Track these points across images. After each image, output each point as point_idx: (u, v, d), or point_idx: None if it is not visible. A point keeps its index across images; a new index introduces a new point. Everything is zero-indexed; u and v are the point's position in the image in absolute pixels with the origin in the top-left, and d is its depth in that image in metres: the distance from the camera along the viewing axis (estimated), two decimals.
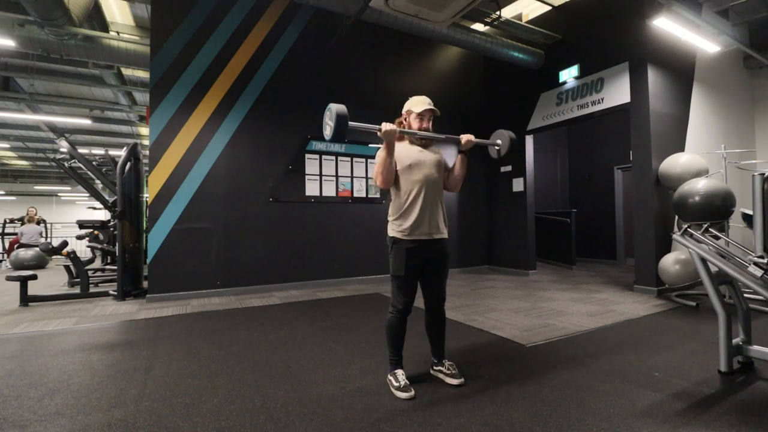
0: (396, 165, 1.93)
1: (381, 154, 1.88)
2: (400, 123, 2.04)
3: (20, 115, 9.06)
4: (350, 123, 1.72)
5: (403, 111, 2.04)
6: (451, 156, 2.05)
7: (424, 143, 2.00)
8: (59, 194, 19.48)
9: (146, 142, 9.35)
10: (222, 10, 4.55)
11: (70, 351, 2.52)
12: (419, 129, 1.96)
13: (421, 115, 1.97)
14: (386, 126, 1.81)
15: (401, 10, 3.82)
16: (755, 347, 2.08)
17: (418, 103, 1.98)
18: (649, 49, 4.28)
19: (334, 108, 1.71)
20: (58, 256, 5.31)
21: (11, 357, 2.41)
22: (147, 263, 4.19)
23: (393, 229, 1.96)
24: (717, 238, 2.41)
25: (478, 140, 2.02)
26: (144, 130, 10.95)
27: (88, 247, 6.24)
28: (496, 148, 2.21)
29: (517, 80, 5.97)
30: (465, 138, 1.99)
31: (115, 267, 4.70)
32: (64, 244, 5.01)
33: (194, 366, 2.24)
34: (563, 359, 2.31)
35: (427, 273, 1.98)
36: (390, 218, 1.99)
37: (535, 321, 3.18)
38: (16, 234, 8.40)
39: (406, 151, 1.96)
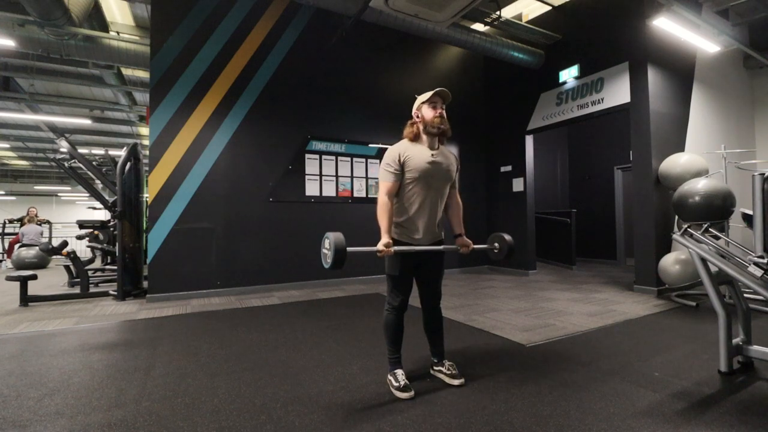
0: (405, 169, 1.89)
1: (385, 203, 1.87)
2: (413, 123, 1.98)
3: (20, 115, 9.07)
4: (348, 249, 1.70)
5: (413, 110, 1.99)
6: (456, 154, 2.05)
7: (442, 129, 1.91)
8: (59, 194, 19.48)
9: (146, 142, 9.34)
10: (222, 10, 4.55)
11: (70, 351, 2.52)
12: (434, 117, 1.90)
13: (432, 102, 1.91)
14: (383, 249, 1.79)
15: (401, 10, 3.83)
16: (755, 347, 2.08)
17: (425, 95, 1.94)
18: (649, 49, 4.28)
19: (332, 238, 1.69)
20: (58, 256, 5.31)
21: (11, 357, 2.41)
22: (147, 263, 4.19)
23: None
24: (717, 238, 2.41)
25: (476, 247, 2.04)
26: (144, 130, 10.95)
27: (88, 247, 6.24)
28: (495, 251, 2.19)
29: (517, 80, 5.97)
30: (463, 248, 2.00)
31: (115, 267, 4.70)
32: (64, 244, 5.01)
33: (194, 366, 2.24)
34: (563, 359, 2.31)
35: (422, 272, 1.99)
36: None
37: (535, 321, 3.18)
38: (16, 234, 8.39)
39: (419, 158, 1.89)
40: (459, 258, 6.08)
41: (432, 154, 1.91)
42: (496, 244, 2.18)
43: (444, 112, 1.94)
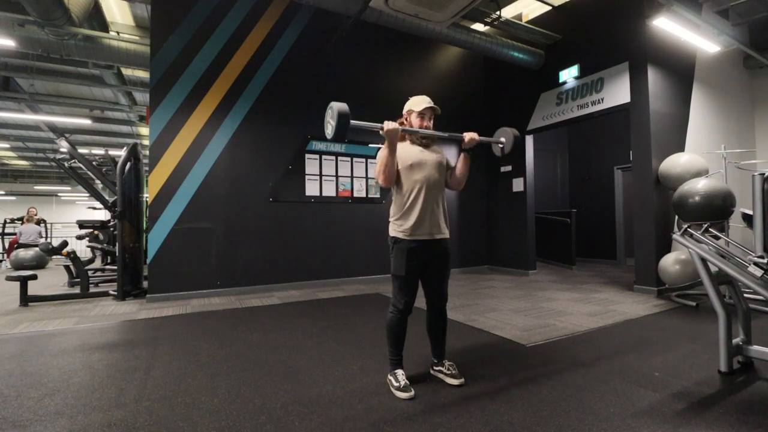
0: (397, 165, 1.94)
1: (383, 153, 1.88)
2: (401, 123, 2.04)
3: (20, 115, 9.07)
4: (352, 122, 1.71)
5: (404, 111, 2.05)
6: (453, 155, 2.06)
7: (426, 143, 2.01)
8: (59, 194, 19.48)
9: (146, 142, 9.34)
10: (222, 10, 4.55)
11: (70, 351, 2.52)
12: (421, 128, 1.97)
13: (422, 114, 1.98)
14: (388, 125, 1.81)
15: (401, 10, 3.83)
16: (755, 347, 2.08)
17: (418, 102, 1.98)
18: (649, 49, 4.28)
19: (336, 106, 1.69)
20: (58, 256, 5.31)
21: (11, 357, 2.41)
22: (147, 263, 4.19)
23: (394, 229, 1.96)
24: (717, 238, 2.41)
25: (481, 138, 2.04)
26: (144, 130, 10.95)
27: (88, 247, 6.24)
28: (500, 145, 2.21)
29: (517, 80, 5.97)
30: (468, 136, 2.00)
31: (115, 267, 4.70)
32: (64, 244, 5.01)
33: (194, 366, 2.24)
34: (563, 359, 2.31)
35: (428, 273, 1.98)
36: (391, 218, 1.99)
37: (535, 321, 3.18)
38: (16, 234, 8.39)
39: (407, 151, 1.96)
40: (459, 258, 6.09)
41: (420, 150, 1.99)
42: (502, 138, 2.19)
43: (431, 125, 2.01)
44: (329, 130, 1.77)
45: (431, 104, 1.97)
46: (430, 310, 2.06)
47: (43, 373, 2.13)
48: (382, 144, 1.90)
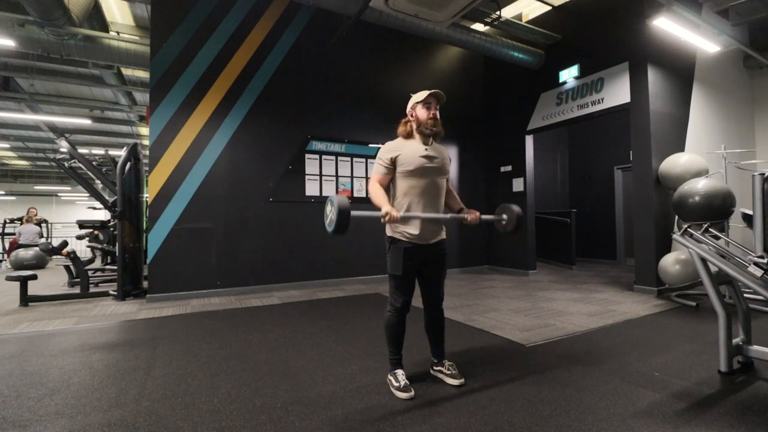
0: (396, 165, 1.92)
1: (377, 189, 1.89)
2: (407, 122, 2.00)
3: (20, 115, 9.07)
4: (352, 213, 1.67)
5: (408, 108, 2.02)
6: (454, 154, 2.05)
7: (436, 131, 1.95)
8: (59, 194, 19.48)
9: (146, 142, 9.34)
10: (222, 10, 4.55)
11: (70, 351, 2.52)
12: (428, 117, 1.92)
13: (426, 103, 1.94)
14: (391, 213, 1.75)
15: (401, 10, 3.82)
16: (755, 347, 2.08)
17: (420, 94, 1.96)
18: (649, 49, 4.28)
19: (336, 202, 1.66)
20: (58, 256, 5.31)
21: (11, 357, 2.41)
22: (147, 263, 4.19)
23: (391, 230, 1.96)
24: (717, 238, 2.41)
25: (484, 217, 2.00)
26: (144, 130, 10.95)
27: (88, 247, 6.24)
28: (503, 222, 2.14)
29: (517, 80, 5.97)
30: (470, 217, 1.95)
31: (115, 267, 4.70)
32: (64, 244, 5.01)
33: (194, 366, 2.24)
34: (563, 359, 2.31)
35: (425, 272, 1.99)
36: None
37: (535, 321, 3.18)
38: (15, 234, 8.39)
39: (411, 153, 1.91)
40: (459, 258, 6.09)
41: (425, 149, 1.95)
42: (504, 216, 2.13)
43: (437, 113, 1.97)
44: (330, 224, 1.71)
45: (433, 90, 1.93)
46: (427, 309, 2.06)
47: (43, 373, 2.13)
48: (383, 144, 1.90)
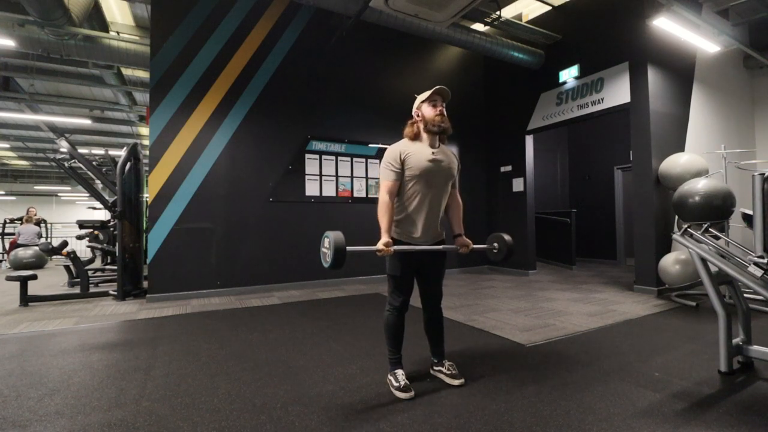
0: (404, 169, 1.89)
1: (386, 202, 1.87)
2: (414, 122, 1.98)
3: (20, 115, 9.07)
4: (348, 248, 1.68)
5: (414, 109, 2.00)
6: (455, 153, 2.04)
7: (444, 128, 1.91)
8: (59, 194, 19.48)
9: (146, 142, 9.34)
10: (222, 10, 4.55)
11: (70, 351, 2.52)
12: (435, 115, 1.89)
13: (432, 100, 1.92)
14: (384, 250, 1.78)
15: (401, 10, 3.83)
16: (755, 347, 2.08)
17: (425, 93, 1.94)
18: (649, 49, 4.28)
19: (333, 237, 1.67)
20: (58, 256, 5.31)
21: (11, 357, 2.41)
22: (147, 263, 4.19)
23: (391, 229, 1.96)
24: (717, 238, 2.41)
25: (476, 247, 2.03)
26: (144, 130, 10.95)
27: (88, 247, 6.24)
28: (494, 251, 2.17)
29: (517, 80, 5.97)
30: (462, 248, 1.99)
31: (115, 267, 4.70)
32: (64, 244, 5.01)
33: (194, 366, 2.24)
34: (563, 359, 2.31)
35: (424, 272, 1.99)
36: None
37: (535, 321, 3.18)
38: (15, 234, 8.39)
39: (419, 156, 1.89)
40: (459, 258, 6.08)
41: (432, 152, 1.91)
42: (496, 245, 2.17)
43: (444, 110, 1.94)
44: (326, 260, 1.72)
45: (437, 87, 1.90)
46: (426, 308, 2.06)
47: (43, 373, 2.13)
48: (382, 144, 1.90)
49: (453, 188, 2.05)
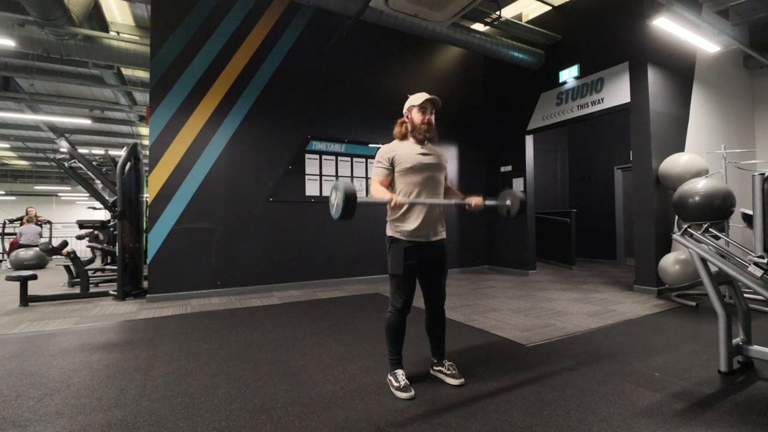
0: (395, 166, 1.94)
1: (379, 194, 1.89)
2: (403, 123, 2.04)
3: (20, 115, 9.07)
4: (358, 199, 1.65)
5: (404, 110, 2.05)
6: (452, 157, 2.05)
7: (430, 136, 1.98)
8: (59, 194, 19.47)
9: (146, 142, 9.34)
10: (222, 10, 4.55)
11: (70, 351, 2.52)
12: (422, 122, 1.96)
13: (422, 108, 1.97)
14: (395, 199, 1.79)
15: (401, 10, 3.83)
16: (755, 347, 2.08)
17: (417, 97, 1.98)
18: (649, 49, 4.28)
19: (342, 187, 1.63)
20: (58, 256, 5.31)
21: (11, 357, 2.41)
22: (147, 263, 4.19)
23: (391, 229, 1.97)
24: (717, 238, 2.41)
25: (487, 203, 2.01)
26: (144, 130, 10.95)
27: (88, 247, 6.24)
28: (506, 209, 2.13)
29: (517, 80, 5.97)
30: (473, 202, 1.97)
31: (115, 267, 4.70)
32: (64, 244, 5.01)
33: (194, 366, 2.24)
34: (563, 359, 2.31)
35: (426, 272, 1.98)
36: (388, 218, 1.99)
37: (535, 321, 3.18)
38: (16, 234, 8.39)
39: (407, 153, 1.95)
40: (459, 258, 6.08)
41: (421, 148, 1.98)
42: (508, 201, 2.14)
43: (432, 118, 2.00)
44: (335, 211, 1.69)
45: (430, 96, 1.97)
46: (429, 310, 2.06)
47: (43, 373, 2.13)
48: (382, 144, 1.91)
49: (446, 181, 2.09)
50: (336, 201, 1.69)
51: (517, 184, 5.91)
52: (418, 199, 1.90)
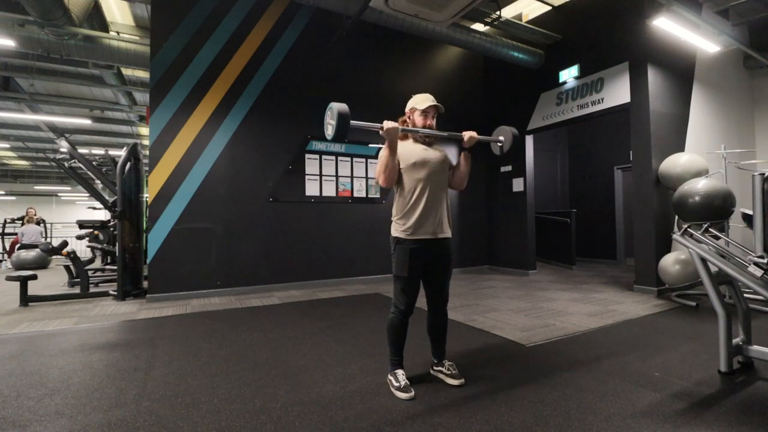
0: (399, 164, 1.93)
1: (383, 153, 1.87)
2: (404, 122, 2.04)
3: (20, 115, 9.06)
4: (351, 122, 1.69)
5: (407, 109, 2.04)
6: (454, 154, 2.06)
7: (429, 141, 2.01)
8: (59, 194, 19.47)
9: (146, 142, 9.34)
10: (222, 10, 4.55)
11: (70, 351, 2.52)
12: (423, 126, 1.96)
13: (425, 112, 1.97)
14: (388, 124, 1.80)
15: (401, 10, 3.83)
16: (755, 347, 2.08)
17: (421, 101, 1.97)
18: (649, 49, 4.28)
19: (335, 107, 1.68)
20: (58, 256, 5.31)
21: (11, 357, 2.41)
22: (147, 263, 4.19)
23: (396, 229, 1.95)
24: (717, 238, 2.41)
25: (481, 137, 2.03)
26: (144, 130, 10.95)
27: (88, 247, 6.24)
28: (499, 144, 2.22)
29: (517, 80, 5.97)
30: (468, 135, 1.99)
31: (115, 267, 4.70)
32: (64, 244, 5.01)
33: (194, 366, 2.24)
34: (563, 359, 2.31)
35: (430, 274, 1.98)
36: (394, 218, 1.98)
37: (535, 321, 3.18)
38: (16, 234, 8.39)
39: (409, 150, 1.95)
40: (459, 258, 6.08)
41: (423, 148, 1.98)
42: (501, 138, 2.21)
43: (434, 123, 2.01)
44: (329, 131, 1.75)
45: (434, 102, 1.95)
46: (431, 311, 2.06)
47: (43, 373, 2.13)
48: (383, 144, 1.89)
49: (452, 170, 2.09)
50: (330, 121, 1.74)
51: (517, 184, 5.92)
52: (411, 128, 1.93)
